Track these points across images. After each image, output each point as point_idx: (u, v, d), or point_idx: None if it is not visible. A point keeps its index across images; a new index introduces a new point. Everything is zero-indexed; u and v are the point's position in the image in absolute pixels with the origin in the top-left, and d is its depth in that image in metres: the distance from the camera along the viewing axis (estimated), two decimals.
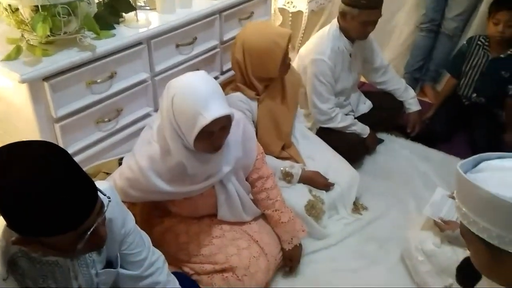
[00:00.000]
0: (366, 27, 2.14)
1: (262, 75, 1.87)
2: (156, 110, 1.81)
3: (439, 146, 2.48)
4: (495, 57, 2.44)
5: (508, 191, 0.72)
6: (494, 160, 0.80)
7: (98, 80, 1.54)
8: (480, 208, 0.75)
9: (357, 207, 2.10)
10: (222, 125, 1.33)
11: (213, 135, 1.33)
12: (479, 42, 2.50)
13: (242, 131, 1.56)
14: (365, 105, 2.52)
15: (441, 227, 1.66)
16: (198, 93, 1.27)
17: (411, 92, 2.51)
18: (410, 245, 1.75)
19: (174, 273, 1.39)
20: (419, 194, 2.13)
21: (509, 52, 2.39)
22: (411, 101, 2.49)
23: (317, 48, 2.18)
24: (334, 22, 2.22)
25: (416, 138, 2.56)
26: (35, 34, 1.39)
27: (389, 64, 2.50)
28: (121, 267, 1.19)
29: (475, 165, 0.81)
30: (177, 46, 1.82)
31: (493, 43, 2.44)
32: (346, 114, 2.37)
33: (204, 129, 1.27)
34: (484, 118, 2.55)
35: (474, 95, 2.56)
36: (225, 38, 2.05)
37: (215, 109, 1.27)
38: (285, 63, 1.87)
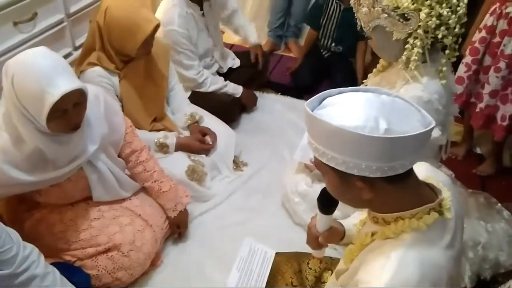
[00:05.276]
0: None
1: (120, 49, 1.77)
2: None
3: (305, 96, 2.66)
4: (347, 7, 2.61)
5: (346, 121, 0.79)
6: (335, 96, 0.88)
7: None
8: (327, 140, 0.83)
9: (237, 164, 2.18)
10: (75, 101, 1.25)
11: (68, 113, 1.25)
12: None
13: (103, 106, 1.49)
14: (234, 61, 2.55)
15: (310, 168, 1.81)
16: (40, 69, 1.18)
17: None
18: (287, 189, 1.88)
19: (54, 264, 1.33)
20: (292, 142, 2.27)
21: None
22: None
23: (165, 18, 2.07)
24: None
25: (285, 92, 2.73)
26: None
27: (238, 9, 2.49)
28: None
29: (320, 102, 0.88)
30: (15, 24, 1.66)
31: None
32: (217, 71, 2.38)
33: (54, 108, 1.19)
34: (342, 65, 2.78)
35: (333, 44, 2.76)
36: (73, 9, 1.91)
37: (62, 84, 1.19)
38: (146, 48, 1.78)
